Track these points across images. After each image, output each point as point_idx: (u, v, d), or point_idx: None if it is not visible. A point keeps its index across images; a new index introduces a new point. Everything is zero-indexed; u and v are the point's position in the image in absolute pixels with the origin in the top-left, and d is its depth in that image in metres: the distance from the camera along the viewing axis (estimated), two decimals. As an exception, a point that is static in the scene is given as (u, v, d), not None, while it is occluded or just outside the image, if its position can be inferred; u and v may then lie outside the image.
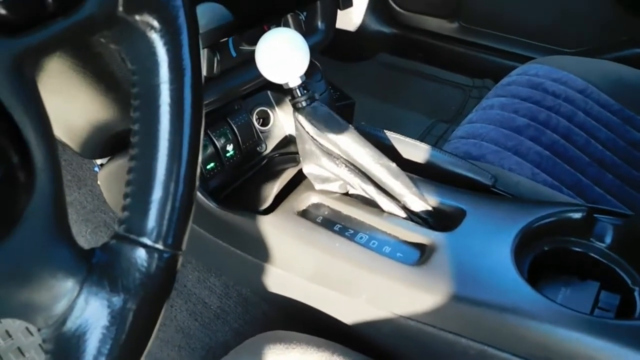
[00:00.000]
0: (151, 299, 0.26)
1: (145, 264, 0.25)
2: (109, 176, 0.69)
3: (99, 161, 0.73)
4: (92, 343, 0.24)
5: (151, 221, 0.26)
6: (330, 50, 0.93)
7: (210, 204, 0.56)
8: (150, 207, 0.26)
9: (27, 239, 0.22)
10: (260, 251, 0.55)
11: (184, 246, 0.27)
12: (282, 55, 0.48)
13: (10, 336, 0.87)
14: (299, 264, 0.52)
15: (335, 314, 0.52)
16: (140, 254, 0.26)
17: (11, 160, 0.22)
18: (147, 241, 0.26)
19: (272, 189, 0.56)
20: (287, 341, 0.50)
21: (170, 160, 0.26)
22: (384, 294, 0.47)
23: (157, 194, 0.26)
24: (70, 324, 0.24)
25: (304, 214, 0.54)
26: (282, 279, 0.55)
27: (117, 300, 0.25)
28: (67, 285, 0.24)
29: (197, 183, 0.28)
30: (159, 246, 0.26)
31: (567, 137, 0.76)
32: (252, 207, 0.56)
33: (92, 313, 0.24)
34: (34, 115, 0.22)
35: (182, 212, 0.27)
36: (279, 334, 0.52)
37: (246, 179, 0.61)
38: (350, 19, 1.29)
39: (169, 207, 0.26)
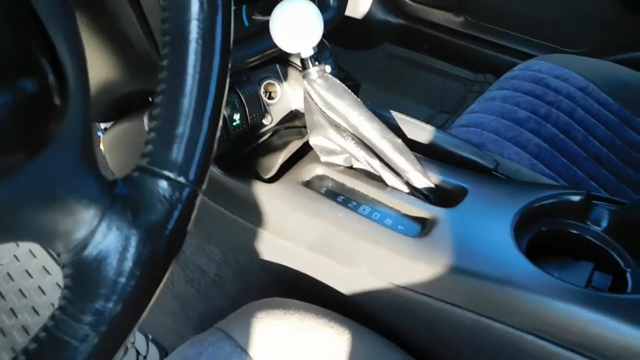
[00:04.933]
0: (171, 233, 0.26)
1: (167, 196, 0.26)
2: (112, 140, 0.69)
3: (102, 125, 0.73)
4: (112, 269, 0.24)
5: (174, 155, 0.26)
6: (336, 38, 0.93)
7: (214, 170, 0.56)
8: (174, 142, 0.26)
9: (56, 161, 0.23)
10: (261, 219, 0.56)
11: (204, 185, 0.28)
12: (298, 23, 0.48)
13: (3, 297, 0.87)
14: (300, 233, 0.53)
15: (334, 284, 0.53)
16: (163, 185, 0.26)
17: (47, 78, 0.22)
18: (169, 174, 0.26)
19: (277, 159, 0.57)
20: (285, 307, 0.51)
21: (197, 97, 0.27)
22: (384, 264, 0.48)
23: (181, 129, 0.26)
24: (91, 249, 0.24)
25: (308, 184, 0.55)
26: (283, 247, 0.55)
27: (138, 230, 0.25)
28: (90, 212, 0.24)
29: (220, 124, 0.28)
30: (182, 180, 0.27)
31: (566, 132, 0.78)
32: (256, 176, 0.56)
33: (113, 240, 0.25)
34: (69, 37, 0.22)
35: (205, 149, 0.27)
36: (276, 300, 0.52)
37: (251, 148, 0.61)
38: (357, 7, 1.30)
39: (192, 143, 0.27)
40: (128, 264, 0.25)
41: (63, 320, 0.24)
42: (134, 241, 0.25)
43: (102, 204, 0.25)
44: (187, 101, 0.26)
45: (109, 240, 0.25)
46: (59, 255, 0.25)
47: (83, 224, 0.24)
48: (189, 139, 0.27)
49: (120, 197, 0.26)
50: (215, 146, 0.28)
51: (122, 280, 0.25)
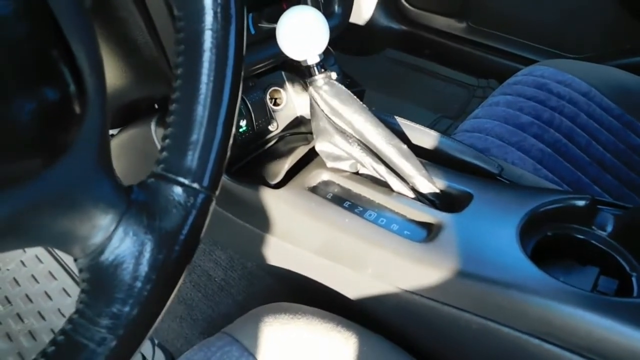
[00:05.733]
0: (185, 238, 0.27)
1: (182, 202, 0.27)
2: (119, 147, 0.70)
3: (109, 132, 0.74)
4: (128, 273, 0.25)
5: (189, 162, 0.27)
6: (339, 44, 0.94)
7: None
8: (189, 149, 0.27)
9: (74, 167, 0.23)
10: (268, 224, 0.56)
11: (218, 190, 0.28)
12: (304, 31, 0.49)
13: (9, 302, 0.88)
14: (307, 238, 0.53)
15: (340, 289, 0.53)
16: (178, 191, 0.27)
17: (68, 86, 0.23)
18: (184, 180, 0.27)
19: (284, 165, 0.57)
20: (292, 312, 0.51)
21: (211, 105, 0.27)
22: (390, 269, 0.48)
23: (195, 136, 0.27)
24: (108, 254, 0.25)
25: (315, 190, 0.55)
26: (289, 252, 0.56)
27: (154, 235, 0.26)
28: (107, 217, 0.25)
29: (234, 130, 0.29)
30: (196, 186, 0.27)
31: (569, 137, 0.78)
32: (262, 182, 0.57)
33: (129, 245, 0.25)
34: (88, 47, 0.23)
35: (219, 156, 0.28)
36: (283, 305, 0.53)
37: (257, 155, 0.62)
38: (360, 13, 1.30)
39: (207, 150, 0.27)
40: (144, 269, 0.25)
41: (81, 324, 0.25)
42: (149, 246, 0.25)
43: (119, 209, 0.25)
44: (201, 109, 0.27)
45: (125, 245, 0.25)
46: (76, 260, 0.26)
47: (100, 229, 0.25)
48: (203, 146, 0.27)
49: (136, 203, 0.26)
50: (229, 153, 0.29)
51: (139, 284, 0.25)
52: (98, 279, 0.25)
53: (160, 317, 0.27)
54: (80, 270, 0.26)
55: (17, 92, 0.21)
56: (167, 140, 0.27)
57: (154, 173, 0.27)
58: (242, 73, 0.29)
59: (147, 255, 0.25)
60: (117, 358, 0.25)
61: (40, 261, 0.94)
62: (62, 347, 0.24)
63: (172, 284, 0.27)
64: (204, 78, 0.27)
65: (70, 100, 0.23)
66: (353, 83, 0.75)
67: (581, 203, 0.48)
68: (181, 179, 0.27)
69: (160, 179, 0.27)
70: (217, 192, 0.29)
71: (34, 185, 0.22)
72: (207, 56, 0.27)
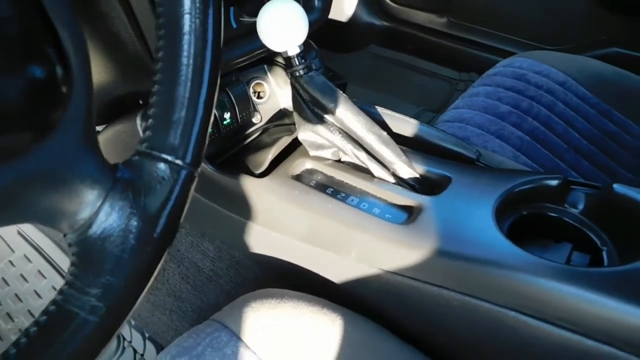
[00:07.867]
0: (170, 212, 0.28)
1: (165, 177, 0.28)
2: (106, 143, 0.70)
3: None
4: (116, 246, 0.26)
5: (172, 139, 0.28)
6: (323, 41, 0.96)
7: (206, 167, 0.58)
8: (171, 127, 0.28)
9: (61, 144, 0.24)
10: (253, 213, 0.57)
11: (199, 167, 0.30)
12: (284, 22, 0.50)
13: (-1, 302, 0.88)
14: (291, 225, 0.55)
15: (326, 274, 0.55)
16: (161, 167, 0.28)
17: (54, 66, 0.24)
18: (167, 157, 0.28)
19: (268, 155, 0.59)
20: (279, 297, 0.52)
21: (192, 85, 0.28)
22: (373, 252, 0.49)
23: (178, 115, 0.28)
24: (96, 228, 0.26)
25: (298, 178, 0.57)
26: (275, 240, 0.57)
27: (139, 210, 0.27)
28: (94, 193, 0.26)
29: (214, 111, 0.30)
30: (179, 162, 0.28)
31: (547, 125, 0.81)
32: (247, 172, 0.58)
33: (115, 219, 0.26)
34: (72, 28, 0.24)
35: (201, 133, 0.29)
36: (270, 291, 0.54)
37: (242, 146, 0.63)
38: (342, 9, 1.32)
39: (188, 128, 0.29)
40: (131, 241, 0.26)
41: (71, 294, 0.26)
42: (135, 220, 0.27)
43: (105, 186, 0.26)
44: (182, 89, 0.28)
45: (112, 219, 0.26)
46: (65, 235, 0.27)
47: (87, 205, 0.26)
48: (184, 124, 0.28)
49: (122, 180, 0.27)
50: (210, 130, 0.30)
51: (126, 256, 0.26)
52: (87, 252, 0.26)
53: (146, 289, 0.28)
54: (70, 245, 0.27)
55: (5, 69, 0.22)
56: (150, 120, 0.29)
57: (139, 151, 0.29)
58: (222, 54, 0.30)
59: (133, 229, 0.27)
60: (107, 327, 0.26)
61: (29, 260, 0.94)
62: (53, 316, 0.25)
63: (157, 256, 0.28)
64: (184, 60, 0.28)
65: (57, 80, 0.24)
66: (335, 76, 0.77)
67: (554, 183, 0.50)
68: (165, 156, 0.28)
69: (144, 156, 0.28)
70: (199, 169, 0.30)
71: (23, 161, 0.23)
72: (186, 39, 0.28)
